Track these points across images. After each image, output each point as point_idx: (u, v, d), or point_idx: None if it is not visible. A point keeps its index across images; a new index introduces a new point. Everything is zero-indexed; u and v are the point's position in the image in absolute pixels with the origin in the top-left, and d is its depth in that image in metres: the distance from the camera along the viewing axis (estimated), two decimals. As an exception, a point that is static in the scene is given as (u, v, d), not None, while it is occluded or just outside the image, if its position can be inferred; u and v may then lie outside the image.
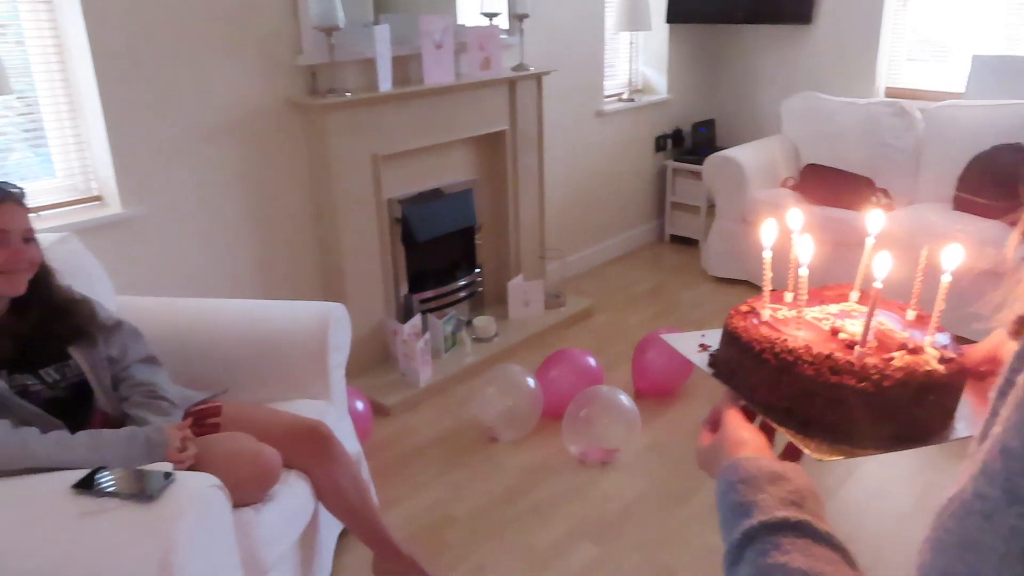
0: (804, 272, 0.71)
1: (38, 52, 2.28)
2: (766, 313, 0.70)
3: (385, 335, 3.09)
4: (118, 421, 1.67)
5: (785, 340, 0.64)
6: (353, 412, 2.45)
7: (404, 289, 3.20)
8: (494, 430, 2.66)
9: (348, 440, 2.04)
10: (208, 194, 2.62)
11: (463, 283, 3.42)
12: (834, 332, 0.67)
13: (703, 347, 0.76)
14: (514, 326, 3.46)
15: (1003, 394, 0.42)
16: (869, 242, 0.74)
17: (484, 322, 3.34)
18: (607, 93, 4.23)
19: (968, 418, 0.65)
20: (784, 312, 0.71)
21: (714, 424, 0.69)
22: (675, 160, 4.57)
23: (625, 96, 4.37)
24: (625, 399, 2.55)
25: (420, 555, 1.92)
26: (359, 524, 1.88)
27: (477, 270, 3.51)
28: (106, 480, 1.39)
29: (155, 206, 2.50)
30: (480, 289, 3.54)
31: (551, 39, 3.69)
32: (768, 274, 0.72)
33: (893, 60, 4.20)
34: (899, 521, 2.22)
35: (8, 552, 1.32)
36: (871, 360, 0.62)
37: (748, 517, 0.54)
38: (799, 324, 0.69)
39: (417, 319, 3.03)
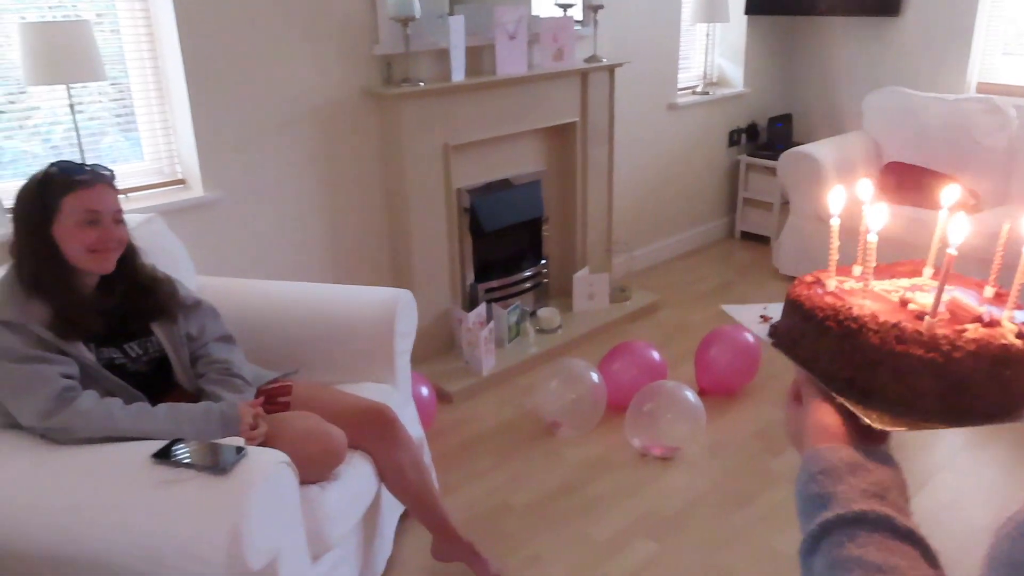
0: (873, 239, 0.68)
1: (132, 41, 2.39)
2: (831, 283, 0.68)
3: (450, 323, 3.13)
4: (194, 396, 1.75)
5: (850, 308, 0.62)
6: (418, 398, 2.49)
7: (470, 278, 3.22)
8: (557, 424, 2.66)
9: (411, 425, 2.07)
10: (283, 180, 2.70)
11: (528, 274, 3.43)
12: (903, 303, 0.64)
13: (764, 318, 0.73)
14: (578, 318, 3.45)
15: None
16: (943, 214, 0.70)
17: (548, 313, 3.34)
18: (681, 86, 4.16)
19: None
20: (851, 283, 0.68)
21: (796, 396, 0.67)
22: (749, 155, 4.46)
23: (699, 89, 4.28)
24: (691, 395, 2.51)
25: (478, 541, 1.94)
26: (420, 507, 1.91)
27: (543, 261, 3.51)
28: (183, 452, 1.46)
29: (233, 190, 2.59)
30: (545, 280, 3.54)
31: (625, 30, 3.64)
32: (835, 243, 0.69)
33: (987, 54, 3.98)
34: (971, 536, 2.13)
35: (91, 515, 1.40)
36: (941, 331, 0.58)
37: (826, 509, 0.53)
38: (866, 295, 0.66)
39: (482, 308, 3.05)
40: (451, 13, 2.94)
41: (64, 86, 2.14)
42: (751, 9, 4.24)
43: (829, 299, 0.65)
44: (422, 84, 2.77)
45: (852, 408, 0.59)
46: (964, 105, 3.68)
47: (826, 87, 4.51)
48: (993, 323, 0.60)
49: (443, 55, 2.88)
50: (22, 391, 1.52)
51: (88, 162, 1.66)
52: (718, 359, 2.86)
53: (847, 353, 0.61)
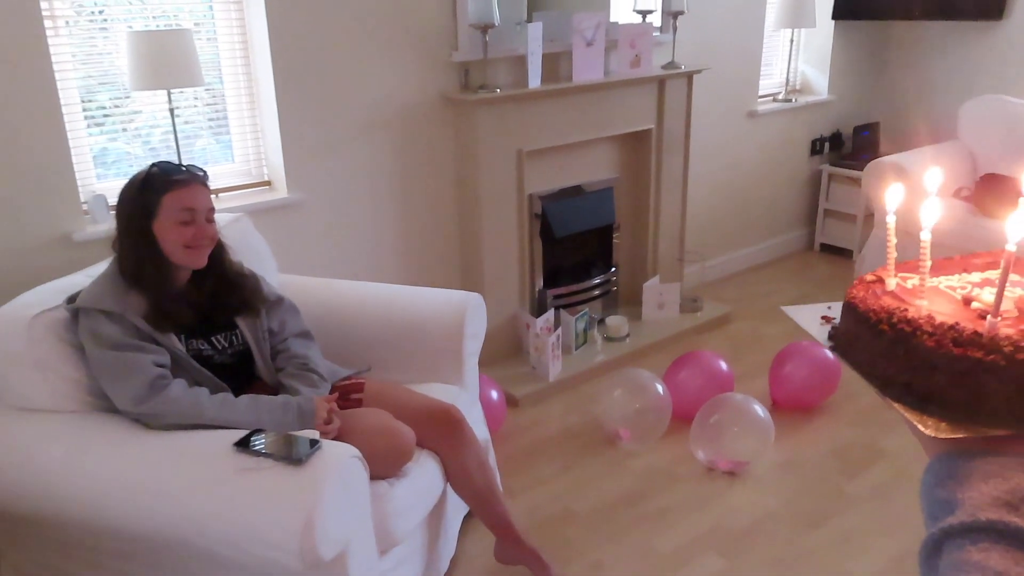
0: (926, 236, 0.65)
1: (227, 49, 2.52)
2: (892, 282, 0.65)
3: (518, 328, 3.15)
4: (274, 388, 1.83)
5: (905, 310, 0.59)
6: (487, 401, 2.53)
7: (539, 283, 3.24)
8: (621, 434, 2.65)
9: (478, 426, 2.10)
10: (362, 183, 2.79)
11: (598, 281, 3.42)
12: (967, 301, 0.61)
13: (826, 319, 0.71)
14: (647, 328, 3.42)
15: None
16: (1022, 202, 0.66)
17: (616, 321, 3.32)
18: (762, 93, 4.07)
19: None
20: (914, 281, 0.65)
21: None
22: (832, 164, 4.32)
23: (781, 96, 4.17)
24: (759, 409, 2.46)
25: (541, 547, 1.96)
26: (484, 508, 1.94)
27: (613, 269, 3.49)
28: (262, 442, 1.53)
29: (315, 192, 2.69)
30: (614, 288, 3.52)
31: (705, 36, 3.60)
32: (892, 239, 0.67)
33: (1098, 61, 3.74)
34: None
35: (175, 497, 1.48)
36: (1006, 331, 0.55)
37: (951, 515, 0.52)
38: (928, 294, 0.63)
39: (550, 314, 3.06)
40: (529, 20, 2.97)
41: (165, 91, 2.27)
42: (839, 14, 4.11)
43: (886, 300, 0.63)
44: (499, 90, 2.81)
45: (908, 415, 0.57)
46: (1069, 116, 3.46)
47: (918, 95, 4.33)
48: None
49: (520, 61, 2.92)
50: (119, 377, 1.62)
51: (184, 163, 1.76)
52: (793, 374, 2.79)
53: (901, 357, 0.58)
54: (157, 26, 2.39)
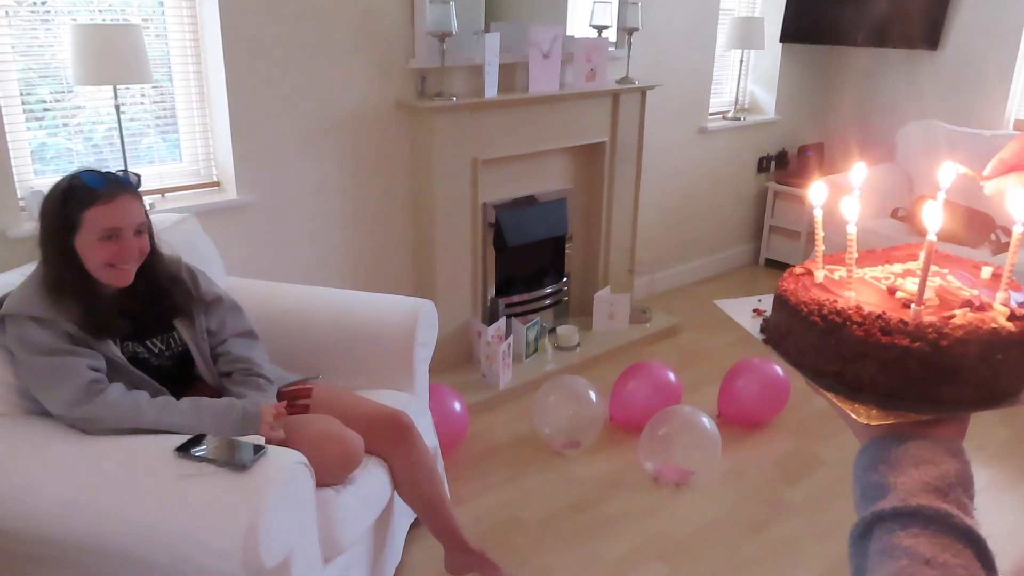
0: (852, 230, 0.66)
1: (178, 46, 2.47)
2: (820, 274, 0.67)
3: (470, 335, 3.15)
4: (216, 390, 1.79)
5: (835, 301, 0.61)
6: (450, 412, 2.52)
7: (491, 292, 3.25)
8: (555, 441, 2.67)
9: (427, 433, 2.09)
10: (315, 187, 2.75)
11: (550, 291, 3.45)
12: (891, 291, 0.63)
13: (758, 312, 0.72)
14: (597, 338, 3.45)
15: None
16: (941, 196, 0.69)
17: (567, 331, 3.35)
18: (712, 110, 4.17)
19: None
20: (841, 273, 0.67)
21: None
22: (777, 182, 4.45)
23: (730, 114, 4.29)
24: (707, 421, 2.51)
25: (490, 550, 1.95)
26: (431, 516, 1.93)
27: (564, 279, 3.53)
28: (204, 447, 1.49)
29: (266, 195, 2.64)
30: (566, 298, 3.55)
31: (659, 53, 3.67)
32: (820, 232, 0.68)
33: (1025, 91, 3.95)
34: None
35: (114, 504, 1.44)
36: (928, 318, 0.57)
37: (883, 499, 0.53)
38: (856, 285, 0.65)
39: (502, 322, 3.07)
40: (487, 30, 2.99)
41: (111, 87, 2.21)
42: (786, 37, 4.25)
43: (816, 292, 0.64)
44: (455, 99, 2.82)
45: (840, 404, 0.59)
46: (1001, 141, 3.64)
47: (859, 118, 4.50)
48: (983, 307, 0.59)
49: (477, 71, 2.93)
50: (52, 383, 1.56)
51: (119, 167, 1.69)
52: (745, 389, 2.83)
53: (833, 347, 0.59)
54: (103, 20, 2.33)
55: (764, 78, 4.42)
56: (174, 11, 2.43)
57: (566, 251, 3.51)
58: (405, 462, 1.87)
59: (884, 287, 0.64)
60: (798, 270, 0.69)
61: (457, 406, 2.58)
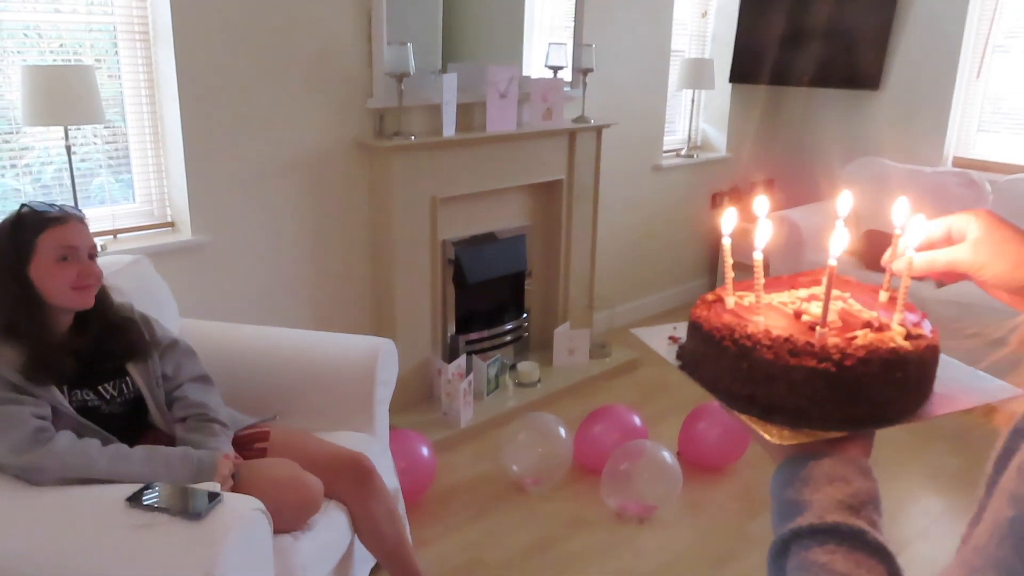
0: (758, 256, 0.68)
1: (131, 86, 2.44)
2: (731, 301, 0.69)
3: (430, 373, 3.13)
4: (170, 437, 1.74)
5: (745, 326, 0.63)
6: (418, 457, 2.49)
7: (451, 329, 3.24)
8: (523, 478, 2.66)
9: (387, 475, 2.06)
10: (272, 226, 2.73)
11: (510, 327, 3.45)
12: (797, 315, 0.65)
13: (673, 339, 0.73)
14: (557, 373, 3.46)
15: (999, 469, 0.41)
16: (839, 223, 0.70)
17: (528, 367, 3.35)
18: (666, 148, 4.28)
19: (949, 396, 0.62)
20: (750, 299, 0.69)
21: None
22: (730, 218, 4.55)
23: (684, 152, 4.40)
24: (667, 456, 2.52)
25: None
26: (393, 560, 1.89)
27: (524, 315, 3.54)
28: (157, 495, 1.45)
29: (222, 235, 2.61)
30: (526, 334, 3.56)
31: (613, 93, 3.76)
32: (728, 260, 0.71)
33: (963, 130, 4.14)
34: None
35: (62, 558, 1.38)
36: (832, 340, 0.60)
37: (800, 516, 0.55)
38: (764, 310, 0.67)
39: (462, 360, 3.06)
40: (444, 70, 3.03)
41: (61, 127, 2.18)
42: (735, 78, 4.40)
43: (727, 317, 0.66)
44: (413, 138, 2.84)
45: (753, 425, 0.60)
46: (940, 178, 3.81)
47: (808, 155, 4.66)
48: (882, 328, 0.62)
49: (435, 110, 2.96)
50: (-5, 431, 1.50)
51: (68, 204, 1.68)
52: (706, 434, 2.79)
53: (745, 371, 0.61)
54: (54, 60, 2.30)
55: (715, 117, 4.55)
56: (128, 51, 2.41)
57: (525, 287, 3.53)
58: (365, 506, 1.83)
59: (791, 311, 0.66)
60: (710, 297, 0.71)
61: (424, 451, 2.55)
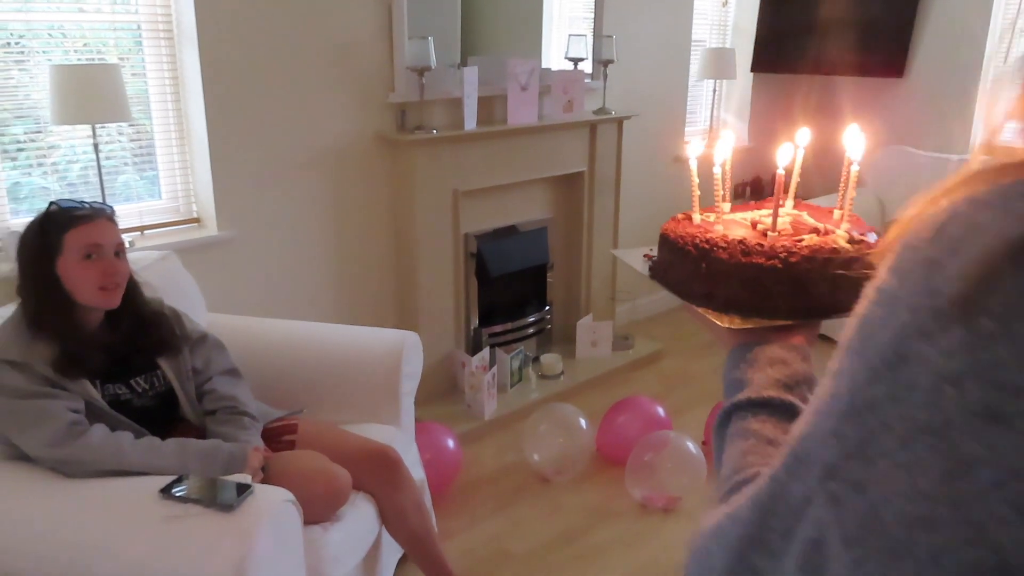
0: (717, 171, 0.78)
1: (156, 83, 2.47)
2: (697, 218, 0.78)
3: (453, 366, 3.14)
4: (200, 429, 1.76)
5: (705, 232, 0.71)
6: (443, 450, 2.50)
7: (475, 322, 3.25)
8: (544, 469, 2.66)
9: (414, 467, 2.08)
10: (296, 221, 2.75)
11: (532, 319, 3.45)
12: (754, 224, 0.74)
13: (647, 257, 0.82)
14: (580, 365, 3.46)
15: None
16: (788, 145, 0.79)
17: (551, 360, 3.35)
18: (687, 139, 4.24)
19: None
20: (714, 216, 0.78)
21: None
22: (753, 208, 4.52)
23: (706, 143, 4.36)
24: (692, 446, 2.51)
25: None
26: (420, 551, 1.90)
27: (547, 307, 3.54)
28: (190, 487, 1.47)
29: (247, 230, 2.64)
30: (549, 327, 3.56)
31: (634, 84, 3.74)
32: (695, 180, 0.80)
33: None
34: None
35: (97, 548, 1.40)
36: (781, 242, 0.68)
37: (742, 391, 0.61)
38: (725, 223, 0.75)
39: (485, 352, 3.07)
40: (464, 64, 3.03)
41: (88, 126, 2.21)
42: (757, 67, 4.35)
43: (691, 229, 0.74)
44: (435, 131, 2.84)
45: (710, 316, 0.69)
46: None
47: (830, 144, 4.59)
48: (828, 233, 0.70)
49: (456, 104, 2.96)
50: (30, 426, 1.53)
51: (96, 199, 1.70)
52: None
53: (704, 271, 0.69)
54: (78, 59, 2.33)
55: (737, 106, 4.51)
56: (152, 50, 2.44)
57: (548, 280, 3.53)
58: (393, 497, 1.84)
59: (749, 222, 0.75)
60: (680, 216, 0.79)
61: (450, 443, 2.56)
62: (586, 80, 3.34)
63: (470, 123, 2.94)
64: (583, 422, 2.66)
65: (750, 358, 0.64)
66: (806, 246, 0.67)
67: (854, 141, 0.76)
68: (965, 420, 0.31)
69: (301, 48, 2.61)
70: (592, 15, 3.47)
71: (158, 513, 1.41)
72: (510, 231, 3.31)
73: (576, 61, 3.28)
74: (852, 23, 4.19)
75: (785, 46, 4.30)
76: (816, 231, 0.71)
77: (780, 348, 0.64)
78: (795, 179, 0.77)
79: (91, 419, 1.59)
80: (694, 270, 0.70)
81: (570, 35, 3.30)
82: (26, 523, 1.46)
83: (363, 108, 2.81)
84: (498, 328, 3.32)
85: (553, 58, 3.41)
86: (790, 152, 0.74)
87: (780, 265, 0.66)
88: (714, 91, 4.34)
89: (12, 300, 1.68)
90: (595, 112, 3.43)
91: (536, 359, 3.39)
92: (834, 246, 0.67)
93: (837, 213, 0.78)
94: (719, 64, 4.02)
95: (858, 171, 0.75)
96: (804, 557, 0.38)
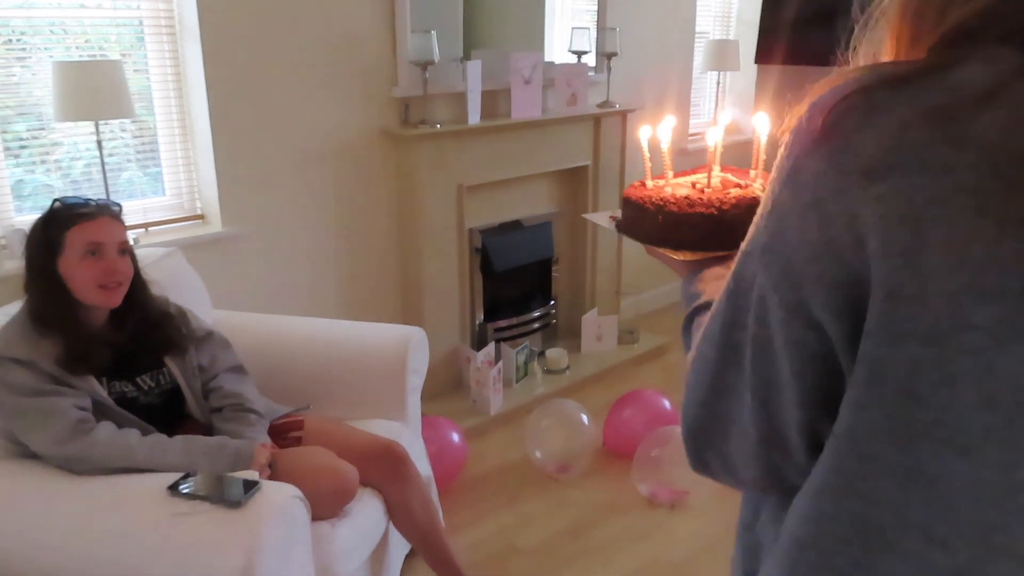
0: (664, 147, 1.00)
1: (159, 80, 2.46)
2: (650, 184, 0.97)
3: (459, 361, 3.14)
4: (207, 427, 1.76)
5: (659, 193, 0.91)
6: (448, 444, 2.50)
7: (480, 317, 3.24)
8: (547, 465, 2.66)
9: (420, 462, 2.07)
10: (300, 217, 2.74)
11: (537, 314, 3.45)
12: (693, 185, 0.94)
13: (613, 218, 0.99)
14: (586, 360, 3.45)
15: None
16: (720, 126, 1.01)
17: (556, 354, 3.34)
18: (691, 131, 4.22)
19: None
20: (664, 182, 0.98)
21: None
22: (758, 201, 4.50)
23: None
24: (698, 441, 2.50)
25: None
26: (427, 546, 1.90)
27: (552, 302, 3.53)
28: (197, 484, 1.46)
29: (251, 226, 2.63)
30: (554, 321, 3.55)
31: (638, 77, 3.72)
32: (647, 154, 1.01)
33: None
34: None
35: (106, 545, 1.40)
36: (715, 196, 0.88)
37: (698, 299, 0.78)
38: (672, 186, 0.95)
39: (491, 347, 3.06)
40: (468, 58, 3.02)
41: (91, 123, 2.20)
42: (761, 59, 4.33)
43: (647, 191, 0.93)
44: (439, 126, 2.83)
45: (669, 253, 0.88)
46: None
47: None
48: (747, 187, 0.91)
49: (460, 98, 2.95)
50: (37, 424, 1.53)
51: (102, 197, 1.69)
52: None
53: (660, 222, 0.88)
54: (80, 56, 2.32)
55: (741, 98, 4.49)
56: (155, 46, 2.43)
57: (552, 274, 3.52)
58: (400, 493, 1.84)
59: (690, 184, 0.95)
60: (636, 183, 0.98)
61: (455, 437, 2.56)
62: (590, 73, 3.32)
63: (474, 117, 2.92)
64: (584, 417, 2.65)
65: (700, 278, 0.81)
66: (733, 196, 0.87)
67: (761, 123, 0.94)
68: (832, 194, 0.53)
69: (304, 43, 2.60)
70: (595, 8, 3.45)
71: (166, 510, 1.41)
72: (515, 226, 3.30)
73: (579, 54, 3.26)
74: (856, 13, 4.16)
75: (789, 37, 4.27)
76: (739, 186, 0.92)
77: (720, 268, 0.82)
78: (758, 154, 0.96)
79: (98, 417, 1.58)
80: (653, 222, 0.89)
81: (573, 28, 3.28)
82: (34, 520, 1.46)
83: (366, 103, 2.80)
84: (503, 323, 3.31)
85: (556, 51, 3.39)
86: (720, 131, 0.98)
87: (716, 212, 0.85)
88: (718, 83, 4.31)
89: (17, 298, 1.68)
90: (599, 105, 3.41)
91: (541, 354, 3.38)
92: (753, 195, 0.87)
93: (753, 173, 0.97)
94: (722, 56, 4.00)
95: (764, 143, 0.95)
96: (755, 312, 0.57)
